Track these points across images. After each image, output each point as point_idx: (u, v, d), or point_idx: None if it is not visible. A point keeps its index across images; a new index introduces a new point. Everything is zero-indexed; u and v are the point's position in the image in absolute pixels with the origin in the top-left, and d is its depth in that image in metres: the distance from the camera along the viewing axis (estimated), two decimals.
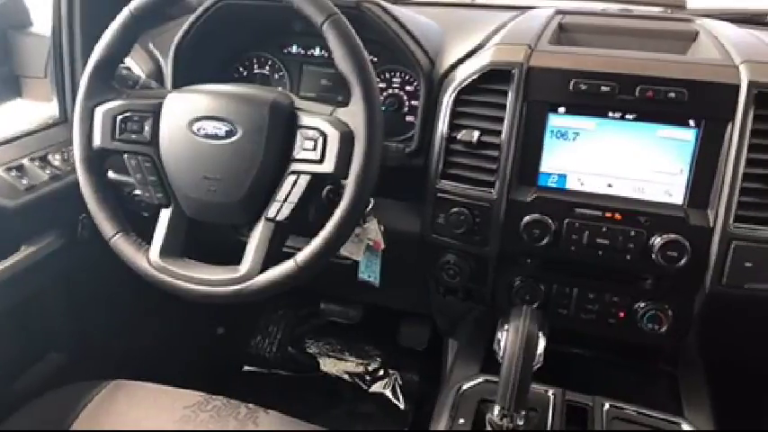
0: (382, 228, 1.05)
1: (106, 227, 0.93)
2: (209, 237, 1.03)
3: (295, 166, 0.85)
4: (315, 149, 0.83)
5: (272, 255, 0.86)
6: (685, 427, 0.91)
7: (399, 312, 1.66)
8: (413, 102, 1.14)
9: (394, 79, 1.16)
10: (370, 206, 1.00)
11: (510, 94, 0.96)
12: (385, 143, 0.95)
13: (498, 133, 0.96)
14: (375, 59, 1.15)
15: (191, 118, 0.88)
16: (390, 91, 1.16)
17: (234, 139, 0.86)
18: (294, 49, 1.22)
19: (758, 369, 1.16)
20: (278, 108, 0.86)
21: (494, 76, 0.97)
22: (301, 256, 0.84)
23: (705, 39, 1.07)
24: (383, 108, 1.13)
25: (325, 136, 0.83)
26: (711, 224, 0.90)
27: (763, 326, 0.99)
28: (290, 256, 0.86)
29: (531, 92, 0.95)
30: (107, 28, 0.92)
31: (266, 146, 0.84)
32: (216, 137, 0.86)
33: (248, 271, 0.86)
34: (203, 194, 0.88)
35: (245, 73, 1.25)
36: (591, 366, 1.08)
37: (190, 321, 1.68)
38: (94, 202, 0.94)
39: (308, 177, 0.84)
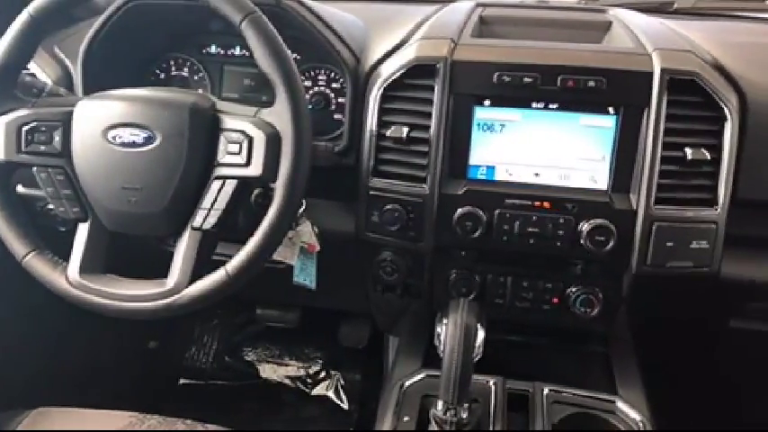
0: (316, 229, 1.03)
1: (17, 246, 0.87)
2: (134, 250, 0.98)
3: (220, 172, 0.82)
4: (240, 153, 0.80)
5: (201, 265, 0.83)
6: (619, 404, 0.93)
7: (338, 312, 1.64)
8: (340, 99, 1.13)
9: (319, 77, 1.14)
10: (302, 208, 0.98)
11: (436, 89, 0.96)
12: (314, 143, 0.93)
13: (427, 128, 0.96)
14: (298, 57, 1.12)
15: (105, 126, 0.83)
16: (316, 89, 1.14)
17: (153, 146, 0.81)
18: (213, 49, 1.18)
19: (683, 342, 1.21)
20: (199, 111, 0.82)
21: (419, 71, 0.97)
22: (232, 265, 0.81)
23: (618, 28, 1.10)
24: (310, 107, 1.10)
25: (250, 138, 0.80)
26: (634, 207, 0.93)
27: (685, 301, 1.04)
28: (220, 264, 0.82)
29: (457, 85, 0.96)
30: (4, 32, 0.86)
31: (188, 152, 0.81)
32: (133, 145, 0.82)
33: (177, 284, 0.82)
34: (123, 206, 0.84)
35: (162, 76, 1.20)
36: (529, 353, 1.10)
37: (119, 337, 1.61)
38: (2, 220, 0.87)
39: (234, 182, 0.81)
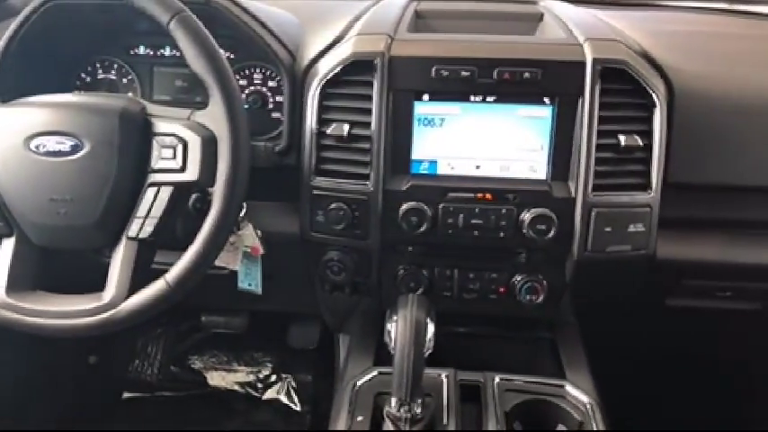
0: (259, 232, 1.01)
1: None
2: (68, 263, 0.93)
3: (154, 178, 0.79)
4: (175, 158, 0.77)
5: (139, 276, 0.79)
6: (568, 388, 0.96)
7: (287, 314, 1.62)
8: (277, 98, 1.10)
9: (255, 75, 1.11)
10: (243, 211, 0.96)
11: (375, 85, 0.95)
12: (252, 143, 0.91)
13: (368, 125, 0.96)
14: (232, 56, 1.09)
15: (27, 134, 0.79)
16: (252, 88, 1.11)
17: (81, 154, 0.78)
18: (142, 50, 1.13)
19: (623, 323, 1.25)
20: (128, 116, 0.79)
21: (357, 68, 0.96)
22: (172, 274, 0.78)
23: (550, 19, 1.13)
24: (246, 106, 1.08)
25: (184, 142, 0.77)
26: (573, 195, 0.95)
27: (624, 283, 1.07)
28: (160, 274, 0.79)
29: (396, 81, 0.95)
30: None
31: (119, 159, 0.77)
32: (60, 154, 0.78)
33: (114, 297, 0.78)
34: (52, 219, 0.79)
35: (88, 80, 1.14)
36: (479, 343, 1.11)
37: (55, 353, 1.53)
38: None
39: (170, 189, 0.78)
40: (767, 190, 1.03)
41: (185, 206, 0.85)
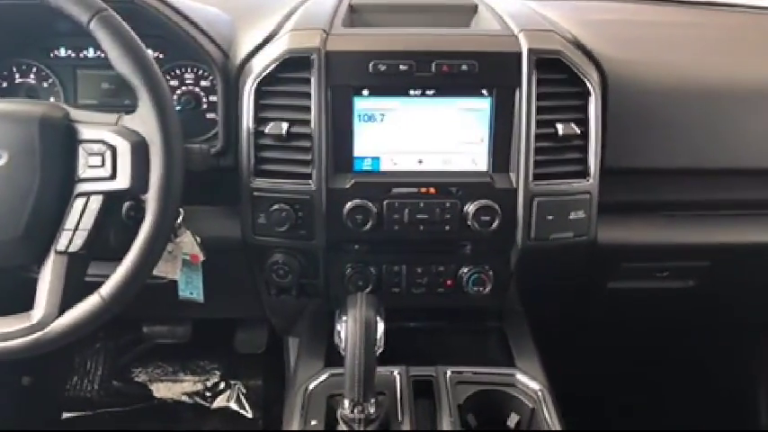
0: (198, 239, 0.97)
1: None
2: None
3: (82, 188, 0.74)
4: (103, 165, 0.73)
5: (71, 292, 0.75)
6: (518, 376, 0.97)
7: (233, 320, 1.58)
8: (211, 97, 1.06)
9: (186, 75, 1.07)
10: (180, 218, 0.92)
11: (312, 81, 0.93)
12: (186, 146, 0.88)
13: (307, 122, 0.94)
14: (161, 56, 1.05)
15: None
16: (184, 88, 1.07)
17: None
18: (63, 51, 1.07)
19: (568, 308, 1.28)
20: (50, 123, 0.74)
21: (293, 64, 0.94)
22: (107, 288, 0.74)
23: (484, 11, 1.13)
24: (178, 108, 1.04)
25: (113, 148, 0.73)
26: (515, 185, 0.96)
27: (567, 269, 1.09)
28: (95, 288, 0.75)
29: (333, 77, 0.94)
30: None
31: (42, 169, 0.73)
32: None
33: (44, 316, 0.74)
34: None
35: (4, 85, 1.07)
36: (430, 337, 1.12)
37: None
38: None
39: (99, 198, 0.74)
40: (699, 172, 1.07)
41: (118, 215, 0.81)
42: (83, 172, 0.74)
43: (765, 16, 1.30)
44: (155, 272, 0.89)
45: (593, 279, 1.18)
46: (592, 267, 1.11)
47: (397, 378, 0.95)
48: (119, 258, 0.76)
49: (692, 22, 1.27)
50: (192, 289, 0.99)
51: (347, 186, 0.95)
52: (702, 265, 1.15)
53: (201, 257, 0.97)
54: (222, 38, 1.03)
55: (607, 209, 1.02)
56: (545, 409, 0.91)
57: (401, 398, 0.92)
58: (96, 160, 0.73)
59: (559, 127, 0.95)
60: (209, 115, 1.06)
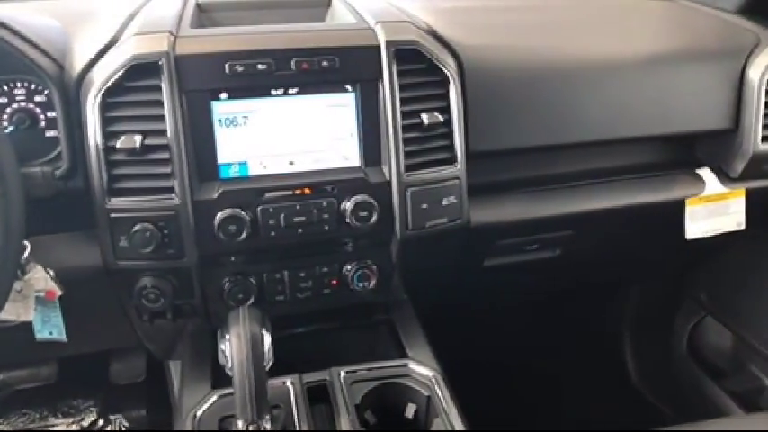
0: (51, 272, 0.87)
1: None
2: None
3: None
4: None
5: None
6: (411, 365, 0.97)
7: (105, 350, 1.45)
8: (50, 113, 0.96)
9: (16, 91, 0.95)
10: (27, 251, 0.82)
11: (164, 88, 0.87)
12: (24, 170, 0.78)
13: (163, 133, 0.87)
14: None
15: None
16: (15, 106, 0.95)
17: None
18: None
19: (450, 290, 1.32)
20: None
21: (140, 71, 0.87)
22: None
23: (338, 4, 1.12)
24: (10, 128, 0.93)
25: None
26: (388, 178, 0.96)
27: (446, 254, 1.12)
28: None
29: (187, 82, 0.88)
30: None
31: None
32: None
33: None
34: None
35: None
36: (322, 340, 1.10)
37: None
38: None
39: None
40: (555, 147, 1.13)
41: None
42: None
43: None
44: (3, 315, 0.79)
45: (471, 259, 1.22)
46: (468, 249, 1.15)
47: (291, 388, 0.92)
48: None
49: (539, 6, 1.34)
50: (50, 328, 0.90)
51: (215, 196, 0.90)
52: (567, 234, 1.23)
53: (59, 292, 0.87)
54: (55, 48, 0.93)
55: (477, 191, 1.06)
56: (440, 394, 0.92)
57: (297, 407, 0.89)
58: None
59: (424, 117, 0.96)
60: (50, 133, 0.96)
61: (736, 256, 1.47)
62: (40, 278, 0.85)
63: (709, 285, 1.60)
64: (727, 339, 1.61)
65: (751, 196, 1.25)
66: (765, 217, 1.30)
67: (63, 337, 0.92)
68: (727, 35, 1.24)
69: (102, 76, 0.87)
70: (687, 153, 1.27)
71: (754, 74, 1.16)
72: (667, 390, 1.72)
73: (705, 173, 1.23)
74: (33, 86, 0.95)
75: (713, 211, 1.24)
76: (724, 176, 1.23)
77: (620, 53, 1.14)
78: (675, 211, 1.21)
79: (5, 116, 0.94)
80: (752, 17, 1.27)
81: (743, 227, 1.26)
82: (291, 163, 0.95)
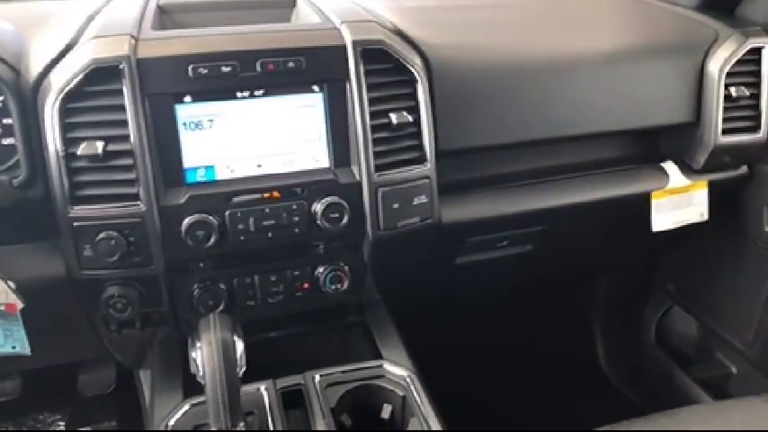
0: (12, 284, 0.85)
1: None
2: None
3: None
4: None
5: None
6: (386, 366, 0.97)
7: (71, 362, 1.42)
8: (5, 120, 0.92)
9: None
10: None
11: (125, 92, 0.85)
12: None
13: (126, 138, 0.85)
14: None
15: None
16: None
17: None
18: None
19: (423, 289, 1.32)
20: None
21: (100, 75, 0.85)
22: None
23: (303, 4, 1.11)
24: None
25: None
26: (358, 179, 0.95)
27: (418, 253, 1.12)
28: None
29: (149, 85, 0.86)
30: None
31: None
32: None
33: None
34: None
35: None
36: (296, 343, 1.09)
37: None
38: None
39: None
40: (523, 144, 1.14)
41: None
42: None
43: None
44: None
45: (443, 257, 1.23)
46: (440, 247, 1.15)
47: (265, 394, 0.91)
48: None
49: (503, 4, 1.35)
50: (13, 342, 0.87)
51: (181, 201, 0.88)
52: (536, 229, 1.24)
53: (20, 305, 0.85)
54: (9, 53, 0.90)
55: (447, 190, 1.06)
56: (414, 394, 0.92)
57: (271, 413, 0.88)
58: None
59: (393, 116, 0.96)
60: (6, 141, 0.92)
61: (701, 247, 1.50)
62: (0, 291, 0.82)
63: (676, 276, 1.63)
64: (694, 328, 1.65)
65: (713, 188, 1.27)
66: (726, 208, 1.34)
67: (27, 351, 0.89)
68: (687, 31, 1.27)
69: (61, 80, 0.85)
70: (651, 147, 1.30)
71: (713, 68, 1.19)
72: (637, 378, 1.75)
73: (669, 166, 1.25)
74: None
75: (678, 203, 1.26)
76: (687, 169, 1.26)
77: (582, 50, 1.16)
78: (641, 204, 1.23)
79: None
80: (710, 13, 1.30)
81: (706, 218, 1.29)
82: (259, 166, 0.94)
